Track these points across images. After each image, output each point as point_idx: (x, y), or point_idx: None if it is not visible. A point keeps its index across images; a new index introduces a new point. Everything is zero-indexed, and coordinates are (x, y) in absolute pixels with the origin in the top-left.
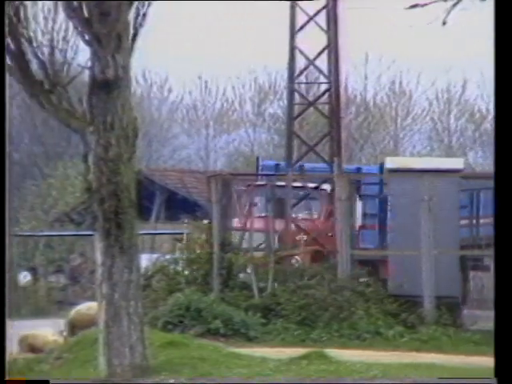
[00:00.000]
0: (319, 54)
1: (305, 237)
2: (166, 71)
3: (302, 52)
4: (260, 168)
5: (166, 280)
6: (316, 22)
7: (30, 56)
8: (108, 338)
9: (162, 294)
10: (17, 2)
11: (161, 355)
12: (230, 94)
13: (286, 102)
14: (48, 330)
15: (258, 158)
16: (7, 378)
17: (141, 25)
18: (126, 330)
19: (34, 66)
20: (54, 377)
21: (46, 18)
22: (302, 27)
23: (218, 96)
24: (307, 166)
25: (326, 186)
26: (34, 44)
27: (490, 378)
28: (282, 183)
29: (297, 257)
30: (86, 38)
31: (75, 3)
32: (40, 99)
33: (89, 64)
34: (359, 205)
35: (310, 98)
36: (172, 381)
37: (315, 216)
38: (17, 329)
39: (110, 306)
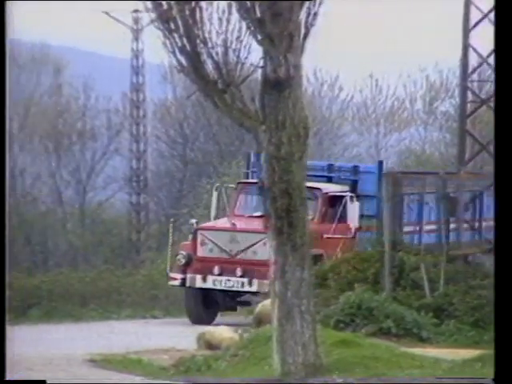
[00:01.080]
0: (493, 51)
1: None
2: (336, 69)
3: (475, 49)
4: (251, 164)
5: (337, 278)
6: (490, 20)
7: (204, 57)
8: (281, 335)
9: (334, 293)
10: (193, 3)
11: (333, 354)
12: (401, 92)
13: (457, 99)
14: (224, 328)
15: (249, 155)
16: (7, 377)
17: (312, 24)
18: (298, 328)
19: (209, 66)
20: (229, 374)
21: (220, 19)
22: (475, 24)
23: (389, 94)
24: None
25: (323, 186)
26: (209, 45)
27: (486, 378)
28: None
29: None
30: (259, 37)
31: (248, 4)
32: (214, 99)
33: (261, 63)
34: (357, 205)
35: (483, 96)
36: (340, 380)
37: (309, 217)
38: (194, 326)
39: (283, 304)
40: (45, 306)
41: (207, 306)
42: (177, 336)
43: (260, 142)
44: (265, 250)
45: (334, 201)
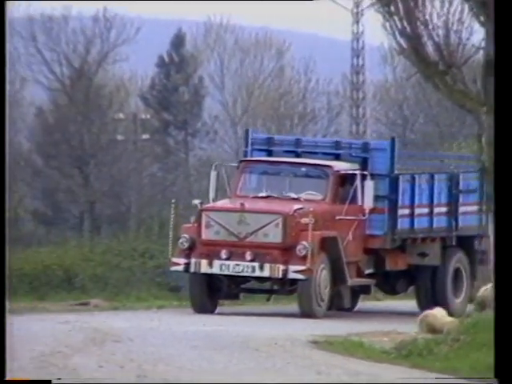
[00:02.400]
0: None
1: (312, 220)
2: None
3: None
4: (250, 142)
5: None
6: None
7: (425, 38)
8: None
9: None
10: None
11: None
12: None
13: None
14: (444, 311)
15: (247, 131)
16: (8, 377)
17: None
18: None
19: (429, 48)
20: (451, 359)
21: (442, 1)
22: None
23: None
24: (304, 139)
25: (334, 164)
26: (430, 26)
27: (490, 379)
28: (276, 159)
29: None
30: (481, 19)
31: None
32: (435, 80)
33: (483, 45)
34: (371, 185)
35: None
36: None
37: (319, 197)
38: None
39: None
40: None
41: (211, 293)
42: (398, 319)
43: (481, 124)
44: (277, 232)
45: (347, 180)
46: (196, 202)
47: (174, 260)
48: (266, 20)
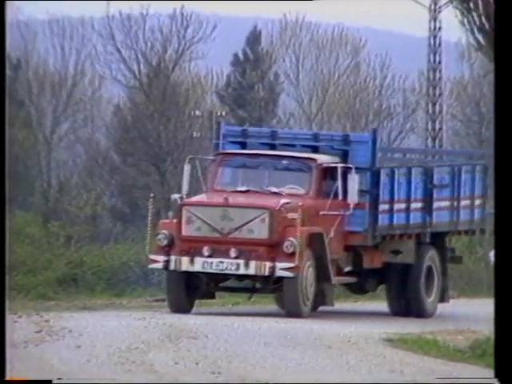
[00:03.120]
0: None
1: (300, 215)
2: None
3: None
4: (223, 134)
5: None
6: None
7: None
8: None
9: None
10: None
11: None
12: None
13: None
14: None
15: (219, 124)
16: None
17: None
18: None
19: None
20: None
21: None
22: None
23: None
24: (281, 131)
25: (318, 157)
26: None
27: (491, 378)
28: (256, 152)
29: None
30: None
31: None
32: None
33: None
34: (356, 179)
35: None
36: None
37: (302, 191)
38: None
39: None
40: None
41: (189, 292)
42: (472, 317)
43: None
44: (263, 228)
45: (330, 173)
46: (175, 196)
47: (152, 257)
48: (341, 17)
